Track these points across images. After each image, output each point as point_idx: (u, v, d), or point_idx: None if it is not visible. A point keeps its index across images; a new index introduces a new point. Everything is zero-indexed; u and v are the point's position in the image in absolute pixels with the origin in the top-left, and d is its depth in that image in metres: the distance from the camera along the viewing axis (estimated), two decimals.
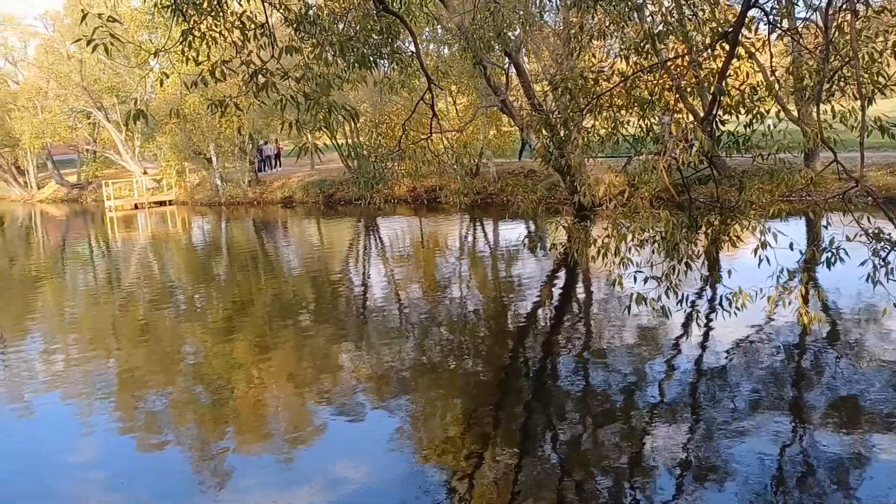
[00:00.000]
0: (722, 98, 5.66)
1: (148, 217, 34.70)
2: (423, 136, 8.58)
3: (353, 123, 6.32)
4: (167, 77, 7.85)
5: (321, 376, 9.71)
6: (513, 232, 20.70)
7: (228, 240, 26.00)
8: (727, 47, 5.59)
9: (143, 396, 9.43)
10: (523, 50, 21.06)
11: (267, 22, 5.91)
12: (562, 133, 7.33)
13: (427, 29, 19.87)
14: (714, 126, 5.81)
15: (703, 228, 6.34)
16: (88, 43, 5.18)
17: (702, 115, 6.60)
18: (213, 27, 5.76)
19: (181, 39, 5.56)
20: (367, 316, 13.05)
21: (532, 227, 20.31)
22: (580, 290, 14.27)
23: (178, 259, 22.75)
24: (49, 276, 20.84)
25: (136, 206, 38.12)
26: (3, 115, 45.35)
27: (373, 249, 21.20)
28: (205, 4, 5.71)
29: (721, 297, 9.10)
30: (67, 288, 18.77)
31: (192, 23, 5.62)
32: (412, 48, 10.14)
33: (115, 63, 38.64)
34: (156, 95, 34.41)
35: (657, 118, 6.39)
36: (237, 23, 5.76)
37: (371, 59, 6.47)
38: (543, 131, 7.18)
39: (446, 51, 23.54)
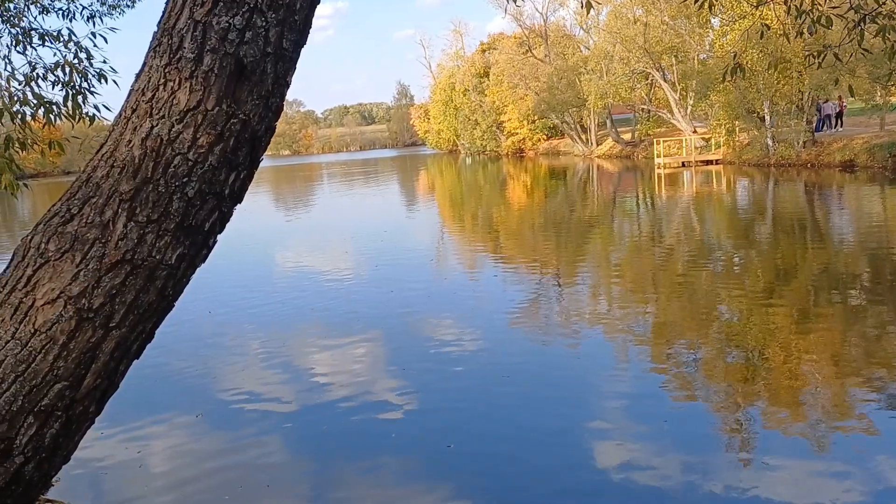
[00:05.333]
0: None
1: (693, 175, 35.23)
2: None
3: None
4: (769, 28, 7.51)
5: (870, 362, 8.53)
6: None
7: (774, 203, 24.72)
8: None
9: (674, 346, 9.71)
10: None
11: None
12: None
13: None
14: None
15: None
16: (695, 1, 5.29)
17: None
18: None
19: None
20: None
21: None
22: None
23: (720, 219, 22.59)
24: (599, 225, 22.95)
25: (682, 165, 39.10)
26: (574, 78, 51.05)
27: None
28: None
29: None
30: (614, 237, 20.39)
31: None
32: None
33: (677, 24, 39.76)
34: (713, 53, 34.29)
35: None
36: None
37: None
38: None
39: None
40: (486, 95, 70.24)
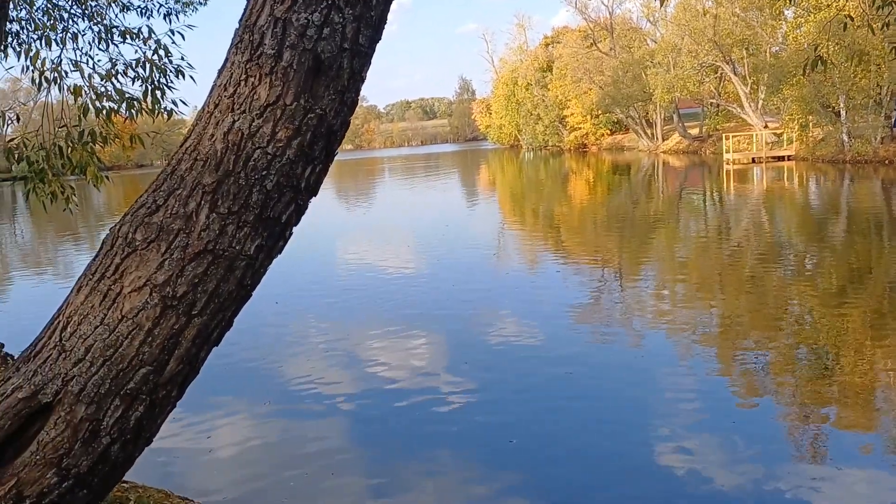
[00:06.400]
0: None
1: (764, 171, 34.23)
2: None
3: None
4: (852, 20, 7.19)
5: None
6: None
7: (849, 201, 23.82)
8: None
9: (741, 347, 9.47)
10: None
11: None
12: None
13: None
14: None
15: None
16: None
17: None
18: None
19: None
20: None
21: None
22: None
23: (791, 216, 21.90)
24: (664, 221, 22.52)
25: (752, 160, 38.03)
26: (640, 71, 50.12)
27: None
28: None
29: None
30: (679, 234, 19.98)
31: None
32: None
33: (748, 16, 38.65)
34: (787, 46, 33.22)
35: None
36: None
37: None
38: None
39: None
40: (548, 90, 69.66)
